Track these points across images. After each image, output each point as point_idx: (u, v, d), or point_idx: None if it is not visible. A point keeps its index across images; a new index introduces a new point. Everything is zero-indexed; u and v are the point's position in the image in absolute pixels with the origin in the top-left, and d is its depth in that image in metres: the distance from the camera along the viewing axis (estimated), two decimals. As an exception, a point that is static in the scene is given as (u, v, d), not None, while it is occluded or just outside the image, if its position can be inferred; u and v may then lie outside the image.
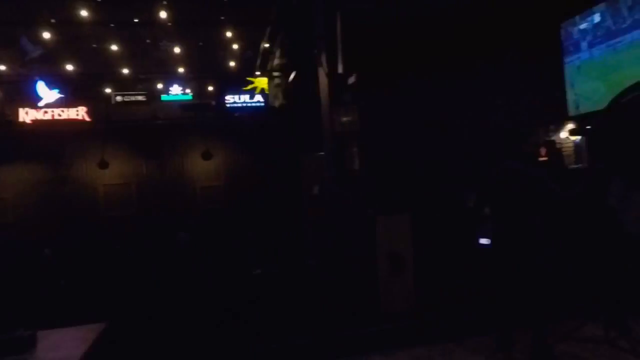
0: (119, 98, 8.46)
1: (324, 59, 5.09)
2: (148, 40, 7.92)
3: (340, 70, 4.99)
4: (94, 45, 8.04)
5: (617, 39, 5.41)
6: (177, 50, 7.68)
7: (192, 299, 3.98)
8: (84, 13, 7.30)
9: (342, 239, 4.74)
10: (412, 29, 5.27)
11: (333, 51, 5.08)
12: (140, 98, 8.45)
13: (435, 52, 5.31)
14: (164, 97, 8.31)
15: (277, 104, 7.60)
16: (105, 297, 3.93)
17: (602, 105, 5.24)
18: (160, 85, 8.34)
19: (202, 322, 3.61)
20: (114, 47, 7.77)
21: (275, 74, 7.40)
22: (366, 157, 5.20)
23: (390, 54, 5.17)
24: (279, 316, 3.66)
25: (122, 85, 8.40)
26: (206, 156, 7.17)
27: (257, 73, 7.87)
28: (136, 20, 7.27)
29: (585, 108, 5.81)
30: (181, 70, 8.22)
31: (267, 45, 7.24)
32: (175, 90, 8.22)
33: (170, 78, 8.18)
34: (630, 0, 5.27)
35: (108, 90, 8.14)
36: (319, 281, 4.33)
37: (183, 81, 8.24)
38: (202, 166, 7.61)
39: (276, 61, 7.21)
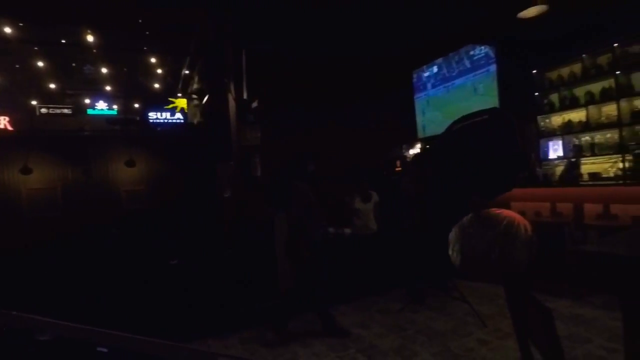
0: (43, 110, 8.15)
1: (232, 86, 5.62)
2: (73, 64, 7.77)
3: (245, 96, 5.49)
4: (17, 64, 7.71)
5: (449, 83, 6.67)
6: (104, 70, 7.68)
7: (114, 288, 3.94)
8: (7, 30, 7.09)
9: (250, 233, 5.35)
10: (302, 66, 5.90)
11: (240, 80, 5.55)
12: (65, 111, 8.23)
13: (320, 85, 5.98)
14: (90, 111, 8.16)
15: (195, 121, 7.89)
16: (26, 293, 3.72)
17: (440, 129, 6.60)
18: (87, 100, 8.24)
19: (121, 308, 3.60)
20: (41, 64, 7.61)
21: (194, 96, 7.75)
22: (266, 166, 5.57)
23: (285, 84, 5.73)
24: (194, 297, 3.86)
25: (50, 98, 8.14)
26: (130, 164, 7.23)
27: (179, 95, 8.15)
28: (63, 42, 7.19)
29: (429, 132, 6.93)
30: (108, 88, 8.18)
31: (187, 71, 7.53)
32: (101, 105, 8.12)
33: (97, 94, 8.10)
34: (457, 57, 6.75)
35: (34, 103, 7.87)
36: (230, 267, 4.51)
37: (109, 98, 8.19)
38: (126, 173, 7.59)
39: (195, 85, 7.48)
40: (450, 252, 4.69)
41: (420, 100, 7.21)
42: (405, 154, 6.67)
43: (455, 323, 3.62)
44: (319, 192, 3.70)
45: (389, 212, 4.87)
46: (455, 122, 5.89)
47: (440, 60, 6.76)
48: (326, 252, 3.82)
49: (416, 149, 6.67)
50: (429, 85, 7.05)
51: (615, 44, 4.62)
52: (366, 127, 6.34)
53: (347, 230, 4.74)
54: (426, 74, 7.05)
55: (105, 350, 0.57)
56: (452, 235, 4.59)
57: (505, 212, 4.38)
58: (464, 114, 4.79)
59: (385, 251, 4.73)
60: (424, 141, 6.82)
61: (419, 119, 7.18)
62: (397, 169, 6.48)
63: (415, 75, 7.27)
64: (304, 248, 3.47)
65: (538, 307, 1.31)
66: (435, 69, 6.86)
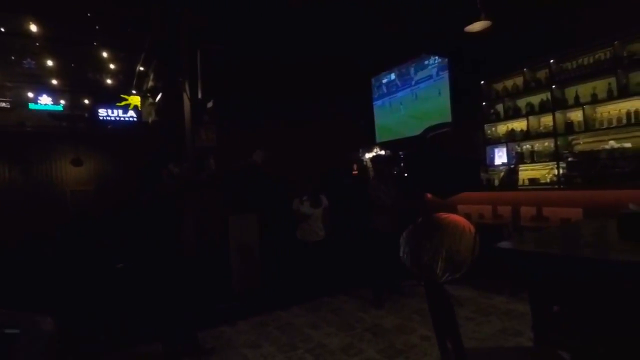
0: (-26, 104, 7.64)
1: (187, 86, 5.61)
2: (13, 57, 7.30)
3: (200, 96, 5.43)
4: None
5: (405, 90, 6.91)
6: (49, 63, 7.29)
7: (56, 296, 3.81)
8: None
9: (204, 235, 5.21)
10: (260, 67, 5.88)
11: (195, 80, 5.58)
12: (3, 104, 7.77)
13: (277, 87, 6.00)
14: (32, 105, 7.72)
15: (149, 120, 7.68)
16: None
17: (396, 135, 6.88)
18: (30, 94, 7.78)
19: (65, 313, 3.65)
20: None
21: (149, 94, 7.57)
22: (223, 167, 5.31)
23: (242, 85, 5.67)
24: (141, 301, 3.69)
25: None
26: (77, 163, 6.94)
27: (133, 92, 7.92)
28: (2, 30, 6.76)
29: (386, 137, 7.21)
30: (53, 82, 7.76)
31: (142, 68, 7.34)
32: (45, 100, 7.72)
33: (41, 88, 7.68)
34: (413, 65, 6.99)
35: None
36: (182, 270, 4.70)
37: (54, 92, 7.78)
38: (73, 172, 7.28)
39: (150, 83, 7.32)
40: (401, 254, 4.95)
41: (377, 106, 7.49)
42: (362, 158, 6.89)
43: (400, 321, 3.82)
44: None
45: (341, 217, 5.00)
46: (427, 130, 6.19)
47: (396, 68, 7.10)
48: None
49: (373, 153, 6.91)
50: (386, 92, 7.37)
51: (552, 60, 5.09)
52: (324, 130, 6.43)
53: None
54: (384, 81, 7.35)
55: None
56: (403, 237, 4.86)
57: (452, 216, 4.70)
58: (431, 124, 5.01)
59: (332, 256, 4.77)
60: (381, 146, 7.08)
61: (377, 123, 7.43)
62: (354, 173, 6.68)
63: (373, 81, 7.57)
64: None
65: (444, 300, 1.46)
66: (392, 76, 7.18)
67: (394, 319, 3.87)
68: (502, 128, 5.83)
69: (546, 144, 5.24)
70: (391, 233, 4.30)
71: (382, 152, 6.66)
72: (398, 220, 4.23)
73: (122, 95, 7.50)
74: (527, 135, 5.42)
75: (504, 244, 2.03)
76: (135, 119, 7.31)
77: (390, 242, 4.40)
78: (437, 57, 6.28)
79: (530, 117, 5.39)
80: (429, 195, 5.31)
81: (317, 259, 4.61)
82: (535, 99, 5.39)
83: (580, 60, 4.89)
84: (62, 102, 7.84)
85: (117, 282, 4.43)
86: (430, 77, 6.46)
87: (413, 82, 6.82)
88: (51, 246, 5.64)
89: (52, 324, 0.60)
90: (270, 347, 3.43)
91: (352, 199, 5.61)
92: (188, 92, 5.42)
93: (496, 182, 5.36)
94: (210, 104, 5.42)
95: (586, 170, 4.50)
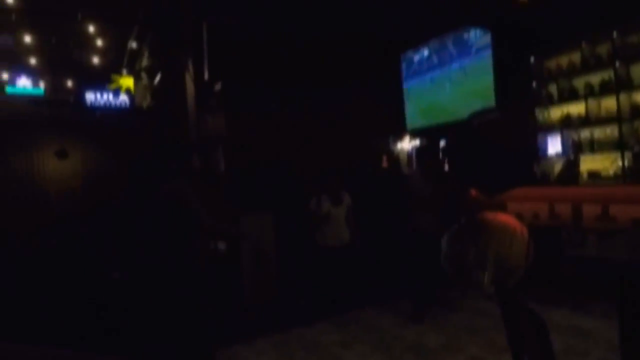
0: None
1: (190, 64, 5.62)
2: None
3: (206, 77, 5.39)
4: None
5: (441, 69, 6.79)
6: (27, 40, 7.29)
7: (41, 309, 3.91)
8: None
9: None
10: (275, 44, 5.81)
11: (200, 58, 5.44)
12: (-25, 88, 7.81)
13: (295, 67, 5.93)
14: (9, 89, 7.72)
15: (144, 105, 7.65)
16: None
17: (432, 121, 6.83)
18: (4, 76, 7.77)
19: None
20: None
21: (143, 74, 7.56)
22: (232, 160, 5.55)
23: (257, 66, 5.63)
24: (141, 315, 3.80)
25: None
26: (61, 155, 6.93)
27: (125, 72, 7.92)
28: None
29: (419, 123, 7.07)
30: (32, 61, 7.76)
31: (135, 44, 7.32)
32: (24, 82, 7.68)
33: (18, 68, 7.67)
34: (450, 40, 6.91)
35: None
36: (185, 279, 4.72)
37: (34, 73, 7.77)
38: (57, 166, 7.28)
39: (145, 62, 7.31)
40: (442, 260, 4.96)
41: (409, 87, 7.40)
42: (393, 147, 6.87)
43: (446, 339, 3.84)
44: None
45: (369, 218, 4.98)
46: (472, 116, 6.13)
47: (431, 43, 6.96)
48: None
49: (406, 142, 6.89)
50: (419, 71, 7.24)
51: (615, 32, 5.01)
52: (348, 115, 6.35)
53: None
54: (416, 58, 7.25)
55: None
56: (445, 240, 4.85)
57: (501, 216, 4.68)
58: (477, 110, 4.80)
59: (360, 263, 4.76)
60: (414, 133, 7.04)
61: (408, 107, 7.36)
62: (383, 165, 6.67)
63: (403, 60, 7.44)
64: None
65: (532, 318, 1.47)
66: (426, 52, 7.07)
67: (438, 337, 3.88)
68: (556, 112, 5.76)
69: (608, 131, 5.17)
70: (435, 234, 4.33)
71: (418, 142, 6.63)
72: (441, 219, 4.23)
73: (112, 76, 7.49)
74: (585, 121, 5.35)
75: (587, 252, 2.03)
76: (127, 104, 7.30)
77: (433, 245, 4.44)
78: (478, 31, 6.21)
79: (590, 100, 5.32)
80: (474, 192, 5.29)
81: (342, 267, 4.59)
82: (595, 79, 5.31)
83: (651, 33, 4.80)
84: (43, 84, 7.84)
85: (113, 294, 4.46)
86: (470, 53, 6.38)
87: (454, 58, 6.66)
88: (33, 252, 5.67)
89: None
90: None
91: (381, 196, 5.61)
92: (192, 73, 5.43)
93: (552, 176, 5.32)
94: (218, 87, 5.44)
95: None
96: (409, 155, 6.92)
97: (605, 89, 5.16)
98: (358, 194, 5.01)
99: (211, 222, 3.35)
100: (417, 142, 6.71)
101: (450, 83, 6.73)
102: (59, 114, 7.37)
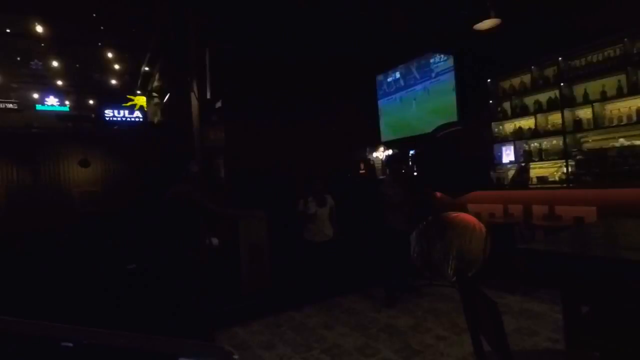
0: (-17, 104, 7.53)
1: (195, 85, 5.52)
2: (19, 59, 7.18)
3: (208, 96, 5.33)
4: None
5: (410, 89, 6.79)
6: (54, 64, 7.20)
7: (66, 297, 3.78)
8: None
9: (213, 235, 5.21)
10: (267, 66, 5.77)
11: (203, 80, 5.44)
12: (10, 106, 7.66)
13: (285, 85, 5.89)
14: (39, 106, 7.60)
15: (155, 120, 7.60)
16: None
17: (400, 134, 6.79)
18: (36, 95, 7.66)
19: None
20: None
21: (155, 94, 7.47)
22: (231, 167, 5.51)
23: (250, 84, 5.61)
24: (152, 301, 3.64)
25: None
26: (84, 164, 6.86)
27: (138, 92, 7.82)
28: (8, 31, 6.67)
29: (390, 136, 7.11)
30: (59, 83, 7.66)
31: (147, 68, 7.24)
32: (52, 101, 7.59)
33: (47, 89, 7.57)
34: (418, 64, 6.88)
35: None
36: (191, 271, 4.64)
37: (61, 93, 7.67)
38: (80, 173, 7.19)
39: (156, 83, 7.20)
40: (411, 253, 4.85)
41: (382, 105, 7.40)
42: (369, 156, 6.81)
43: (415, 321, 3.74)
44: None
45: (349, 217, 4.91)
46: (437, 129, 6.07)
47: (402, 67, 6.99)
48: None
49: (379, 152, 6.84)
50: (391, 90, 7.26)
51: (560, 58, 5.01)
52: (331, 128, 6.30)
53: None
54: (389, 79, 7.25)
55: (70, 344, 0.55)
56: (414, 237, 4.75)
57: (462, 215, 4.61)
58: (440, 123, 4.76)
59: (342, 256, 4.67)
60: (386, 144, 7.00)
61: (382, 122, 7.34)
62: (361, 172, 6.60)
63: (378, 80, 7.46)
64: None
65: (485, 301, 1.41)
66: (397, 74, 7.08)
67: (408, 319, 3.79)
68: (509, 126, 5.75)
69: (554, 142, 5.16)
70: (405, 231, 4.25)
71: (390, 152, 6.58)
72: (410, 218, 4.15)
73: (128, 96, 7.38)
74: (535, 133, 5.34)
75: (534, 244, 1.97)
76: (141, 119, 7.20)
77: (403, 240, 4.36)
78: (443, 56, 6.20)
79: (538, 115, 5.32)
80: (439, 194, 5.23)
81: (326, 259, 4.53)
82: (543, 97, 5.31)
83: (589, 58, 4.81)
84: (68, 103, 7.74)
85: (128, 283, 4.40)
86: (436, 75, 6.38)
87: (419, 80, 6.71)
88: (59, 247, 5.56)
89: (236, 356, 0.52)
90: (285, 347, 3.36)
91: (360, 198, 5.53)
92: (196, 92, 5.32)
93: (506, 181, 5.28)
94: (218, 104, 5.42)
95: (596, 168, 4.42)
96: (383, 163, 6.86)
97: (552, 105, 5.17)
98: (340, 196, 4.94)
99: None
100: (389, 151, 6.63)
101: (415, 102, 6.76)
102: (81, 128, 7.29)
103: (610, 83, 4.61)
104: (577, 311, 1.90)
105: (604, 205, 3.72)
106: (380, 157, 7.01)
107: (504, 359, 1.22)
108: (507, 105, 5.73)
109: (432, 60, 6.42)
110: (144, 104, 7.25)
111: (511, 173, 5.39)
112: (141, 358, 0.54)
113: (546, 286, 3.94)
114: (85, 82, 7.92)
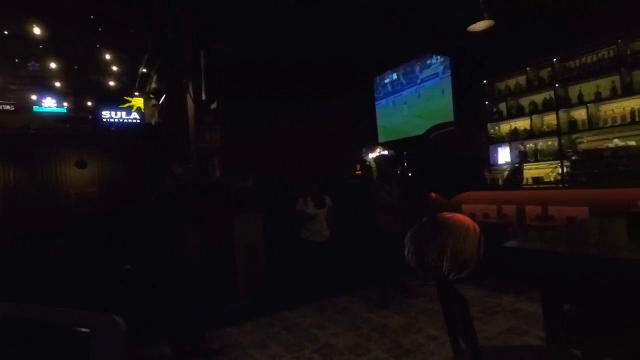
0: (-20, 105, 7.63)
1: (190, 87, 5.62)
2: (16, 60, 7.28)
3: (204, 97, 5.38)
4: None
5: (407, 89, 6.87)
6: (52, 65, 7.29)
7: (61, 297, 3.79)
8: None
9: (209, 236, 5.26)
10: (263, 67, 5.89)
11: (198, 82, 5.51)
12: (7, 107, 7.76)
13: (281, 87, 5.99)
14: (36, 108, 7.69)
15: (152, 121, 7.68)
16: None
17: (398, 135, 6.87)
18: (33, 97, 7.75)
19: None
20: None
21: (152, 96, 7.55)
22: (227, 167, 5.42)
23: (245, 86, 5.71)
24: (148, 302, 3.65)
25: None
26: (81, 165, 6.89)
27: (136, 93, 7.89)
28: (6, 33, 6.76)
29: (388, 137, 7.20)
30: (57, 84, 7.75)
31: (144, 70, 7.32)
32: (49, 102, 7.68)
33: (44, 91, 7.66)
34: (415, 65, 6.98)
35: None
36: (186, 271, 4.68)
37: (58, 95, 7.74)
38: (77, 174, 7.29)
39: (153, 85, 7.30)
40: (406, 254, 4.92)
41: (380, 105, 7.47)
42: (366, 158, 6.88)
43: (407, 321, 3.82)
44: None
45: (346, 218, 4.98)
46: (431, 130, 6.16)
47: (399, 68, 7.07)
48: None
49: (376, 153, 6.90)
50: (389, 91, 7.33)
51: (555, 59, 5.09)
52: (327, 130, 6.40)
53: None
54: (387, 80, 7.33)
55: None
56: (408, 237, 4.82)
57: (457, 216, 4.68)
58: (435, 124, 4.85)
59: (337, 256, 4.74)
60: (383, 146, 7.07)
61: (379, 123, 7.41)
62: (357, 173, 6.66)
63: (377, 80, 7.54)
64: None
65: (456, 297, 1.48)
66: (394, 75, 7.15)
67: (400, 319, 3.86)
68: (505, 127, 5.82)
69: (550, 142, 5.23)
70: (396, 233, 4.32)
71: (385, 152, 6.65)
72: (403, 220, 4.22)
73: (125, 97, 7.47)
74: (530, 134, 5.41)
75: (512, 243, 2.03)
76: (138, 121, 7.28)
77: (395, 242, 4.42)
78: (439, 57, 6.28)
79: (534, 116, 5.39)
80: (433, 195, 5.30)
81: (322, 259, 4.60)
82: (538, 98, 5.39)
83: (583, 59, 4.88)
84: (66, 104, 7.82)
85: (123, 283, 4.47)
86: (433, 76, 6.46)
87: (417, 82, 6.78)
88: (56, 247, 5.63)
89: (124, 323, 0.61)
90: (277, 347, 3.44)
91: (356, 199, 5.59)
92: (192, 94, 5.43)
93: (500, 182, 5.35)
94: (214, 105, 5.42)
95: (590, 168, 4.49)
96: (375, 163, 6.92)
97: (547, 106, 5.24)
98: (336, 197, 5.00)
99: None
100: (384, 152, 6.71)
101: (407, 106, 6.88)
102: (79, 130, 7.37)
103: (604, 84, 4.68)
104: (559, 309, 1.97)
105: (595, 205, 3.79)
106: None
107: (473, 354, 1.29)
108: (502, 106, 5.80)
109: (430, 61, 6.49)
110: (142, 106, 7.33)
111: (505, 174, 5.45)
112: (41, 328, 0.62)
113: (528, 284, 4.01)
114: (82, 83, 8.00)
